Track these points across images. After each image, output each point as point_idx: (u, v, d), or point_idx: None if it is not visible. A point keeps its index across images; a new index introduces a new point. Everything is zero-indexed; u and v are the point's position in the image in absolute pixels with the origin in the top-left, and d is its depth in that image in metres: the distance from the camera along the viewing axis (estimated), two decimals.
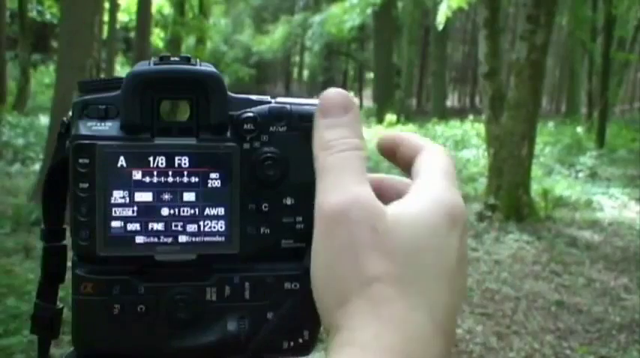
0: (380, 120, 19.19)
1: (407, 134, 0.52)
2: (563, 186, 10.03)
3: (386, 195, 0.47)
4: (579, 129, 16.80)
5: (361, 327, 0.41)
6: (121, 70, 18.78)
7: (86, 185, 0.46)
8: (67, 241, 0.51)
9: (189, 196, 0.47)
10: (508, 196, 7.65)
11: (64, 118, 0.49)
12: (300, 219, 0.49)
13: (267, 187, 0.49)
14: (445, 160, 0.48)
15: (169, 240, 0.47)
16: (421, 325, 0.41)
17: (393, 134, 0.52)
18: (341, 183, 0.44)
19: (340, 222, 0.43)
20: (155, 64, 0.47)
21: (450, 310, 0.43)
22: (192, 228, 0.47)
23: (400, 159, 0.51)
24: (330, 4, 20.58)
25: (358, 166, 0.45)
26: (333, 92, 0.48)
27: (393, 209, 0.44)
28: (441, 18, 10.86)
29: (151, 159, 0.46)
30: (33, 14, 18.55)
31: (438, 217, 0.44)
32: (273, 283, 0.49)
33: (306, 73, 34.86)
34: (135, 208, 0.46)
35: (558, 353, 4.23)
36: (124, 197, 0.46)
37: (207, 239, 0.48)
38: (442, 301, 0.42)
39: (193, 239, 0.47)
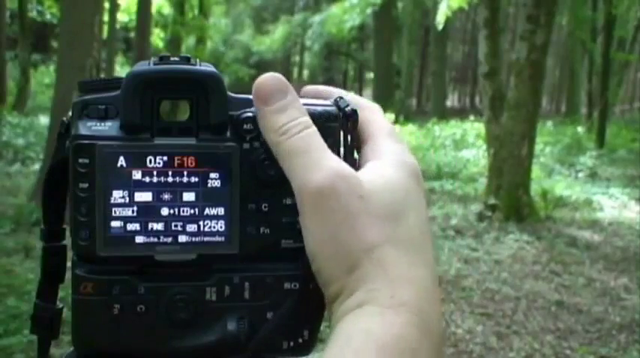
0: None
1: (335, 90, 0.54)
2: (563, 186, 10.02)
3: None
4: (579, 129, 16.80)
5: (377, 288, 0.44)
6: (120, 70, 18.78)
7: (86, 185, 0.46)
8: (67, 241, 0.51)
9: (189, 196, 0.47)
10: (508, 196, 7.65)
11: (64, 118, 0.49)
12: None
13: (267, 187, 0.49)
14: (386, 121, 0.52)
15: (169, 239, 0.47)
16: (424, 279, 0.46)
17: (317, 87, 0.55)
18: (315, 161, 0.46)
19: (329, 196, 0.45)
20: (155, 64, 0.47)
21: (434, 260, 0.48)
22: (192, 227, 0.47)
23: None
24: (330, 4, 20.57)
25: (320, 142, 0.47)
26: (268, 77, 0.49)
27: (366, 176, 0.47)
28: (440, 18, 10.86)
29: (151, 159, 0.46)
30: (33, 14, 18.55)
31: (406, 179, 0.48)
32: (273, 283, 0.49)
33: (306, 73, 34.84)
34: (135, 208, 0.46)
35: (558, 353, 4.23)
36: (123, 197, 0.46)
37: (207, 239, 0.48)
38: (430, 253, 0.47)
39: (193, 239, 0.47)
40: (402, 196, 0.47)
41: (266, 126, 0.48)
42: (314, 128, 0.48)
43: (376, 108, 0.53)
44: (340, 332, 0.43)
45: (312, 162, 0.46)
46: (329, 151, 0.47)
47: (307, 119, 0.48)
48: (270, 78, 0.48)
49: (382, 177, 0.47)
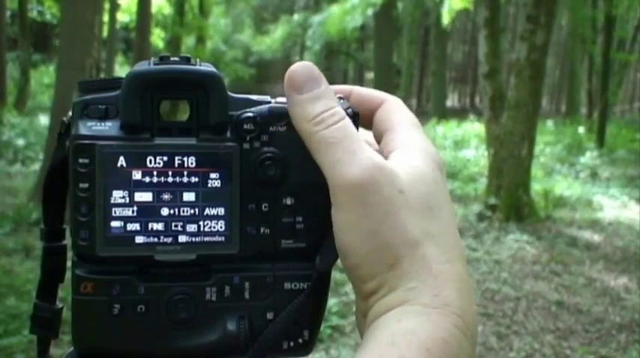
0: None
1: (356, 87, 0.54)
2: (563, 186, 10.02)
3: None
4: (579, 129, 16.80)
5: (419, 287, 0.43)
6: (120, 70, 18.76)
7: (86, 185, 0.46)
8: (67, 241, 0.51)
9: (189, 196, 0.47)
10: (508, 196, 7.65)
11: (64, 118, 0.49)
12: (300, 219, 0.49)
13: (267, 187, 0.49)
14: (409, 113, 0.51)
15: (169, 240, 0.47)
16: (462, 275, 0.45)
17: (341, 86, 0.54)
18: (353, 153, 0.45)
19: (370, 190, 0.44)
20: (155, 64, 0.47)
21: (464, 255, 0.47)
22: (192, 228, 0.47)
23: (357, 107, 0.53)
24: (331, 4, 20.55)
25: (356, 133, 0.46)
26: (301, 66, 0.48)
27: (399, 168, 0.46)
28: (446, 20, 10.80)
29: (151, 159, 0.46)
30: (33, 14, 18.55)
31: (433, 171, 0.47)
32: (273, 283, 0.49)
33: None
34: (135, 208, 0.46)
35: (558, 353, 4.23)
36: (123, 197, 0.46)
37: (207, 239, 0.48)
38: (459, 246, 0.46)
39: (193, 239, 0.47)
40: (434, 189, 0.46)
41: (299, 114, 0.47)
42: (348, 119, 0.47)
43: (398, 100, 0.52)
44: (383, 332, 0.42)
45: (351, 153, 0.45)
46: (364, 142, 0.46)
47: (342, 109, 0.47)
48: (303, 66, 0.48)
49: (414, 168, 0.46)
